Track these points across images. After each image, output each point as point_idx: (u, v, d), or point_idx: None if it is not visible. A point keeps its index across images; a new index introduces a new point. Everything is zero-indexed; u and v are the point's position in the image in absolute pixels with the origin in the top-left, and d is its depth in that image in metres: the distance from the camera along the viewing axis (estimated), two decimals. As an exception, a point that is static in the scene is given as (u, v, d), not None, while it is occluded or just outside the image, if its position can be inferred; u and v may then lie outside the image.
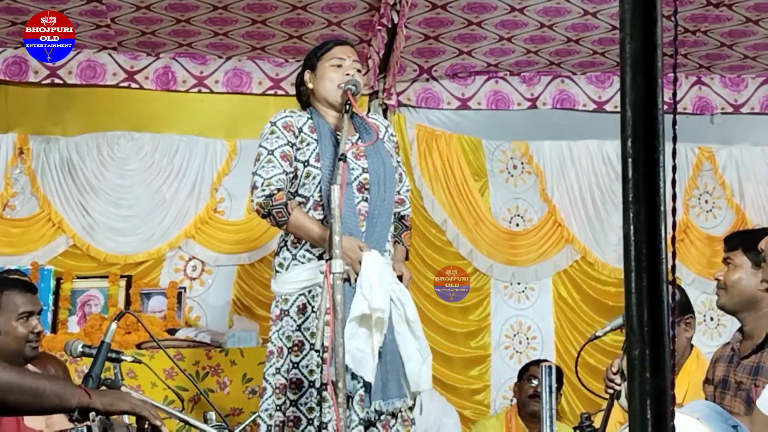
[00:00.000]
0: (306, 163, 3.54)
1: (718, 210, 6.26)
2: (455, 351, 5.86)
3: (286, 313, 3.50)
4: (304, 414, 3.37)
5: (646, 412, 1.03)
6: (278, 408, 3.43)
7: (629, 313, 1.04)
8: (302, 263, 3.51)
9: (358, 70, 3.65)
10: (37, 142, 5.67)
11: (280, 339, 3.49)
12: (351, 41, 3.81)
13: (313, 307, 3.44)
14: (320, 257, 3.46)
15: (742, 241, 3.18)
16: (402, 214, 3.76)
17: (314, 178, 3.52)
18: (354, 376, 3.34)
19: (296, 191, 3.56)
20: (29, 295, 3.40)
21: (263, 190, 3.50)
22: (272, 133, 3.59)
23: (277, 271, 3.58)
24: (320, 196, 3.49)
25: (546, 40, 5.58)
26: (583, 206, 6.08)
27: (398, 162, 3.77)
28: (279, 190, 3.49)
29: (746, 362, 3.03)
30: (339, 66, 3.63)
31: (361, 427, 3.35)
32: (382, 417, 3.41)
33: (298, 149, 3.57)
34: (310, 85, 3.68)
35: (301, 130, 3.60)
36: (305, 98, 3.73)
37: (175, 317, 5.37)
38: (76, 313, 5.42)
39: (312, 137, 3.57)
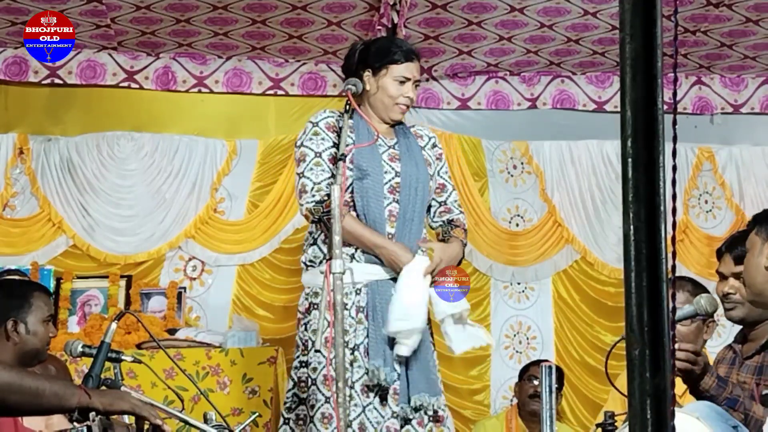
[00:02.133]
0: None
1: (718, 210, 6.25)
2: (455, 351, 5.85)
3: (315, 307, 3.47)
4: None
5: (646, 412, 1.03)
6: (302, 401, 3.45)
7: (629, 313, 1.04)
8: None
9: (416, 86, 3.65)
10: (37, 142, 5.67)
11: (307, 333, 3.50)
12: (418, 54, 3.73)
13: (345, 305, 3.40)
14: (352, 257, 3.46)
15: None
16: (450, 218, 3.70)
17: (346, 179, 3.47)
18: (393, 369, 3.38)
19: None
20: (50, 299, 3.49)
21: (313, 196, 3.44)
22: (316, 134, 3.54)
23: (308, 266, 3.56)
24: (351, 197, 3.49)
25: (546, 40, 5.58)
26: (583, 206, 6.08)
27: (440, 173, 3.73)
28: (329, 195, 3.36)
29: (750, 362, 3.03)
30: (402, 83, 3.60)
31: (395, 420, 3.38)
32: (417, 414, 3.43)
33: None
34: (368, 87, 3.60)
35: (341, 130, 3.56)
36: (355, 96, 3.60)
37: (175, 317, 5.37)
38: (76, 313, 5.42)
39: (351, 138, 3.52)
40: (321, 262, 3.50)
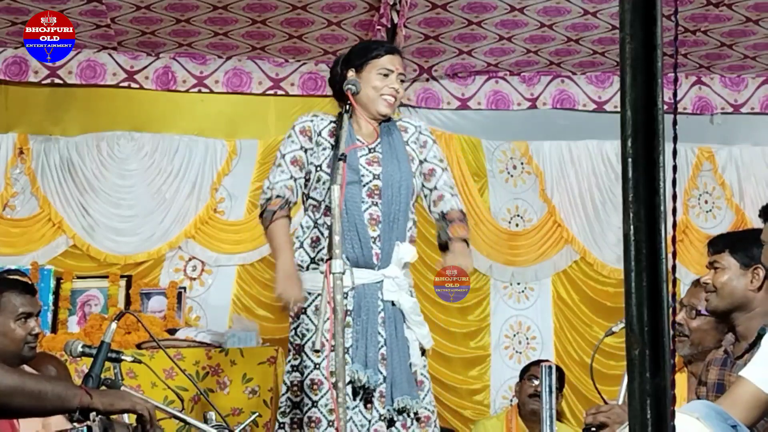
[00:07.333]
0: (318, 168, 3.57)
1: (718, 210, 6.25)
2: (455, 351, 5.86)
3: (304, 311, 3.51)
4: (324, 415, 3.37)
5: (646, 412, 1.03)
6: (296, 405, 3.46)
7: (629, 313, 1.04)
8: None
9: (402, 81, 3.69)
10: (37, 142, 5.67)
11: (297, 337, 3.52)
12: (400, 49, 3.79)
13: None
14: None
15: (727, 243, 3.19)
16: (444, 211, 3.66)
17: (324, 182, 3.53)
18: (377, 371, 3.38)
19: (309, 194, 3.60)
20: (28, 296, 3.40)
21: (265, 194, 3.58)
22: (289, 137, 3.67)
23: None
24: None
25: (546, 40, 5.58)
26: (582, 206, 6.08)
27: (427, 159, 3.72)
28: (278, 196, 3.54)
29: (740, 362, 3.05)
30: (385, 75, 3.63)
31: (382, 423, 3.39)
32: (401, 417, 3.44)
33: (313, 153, 3.60)
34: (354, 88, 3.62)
35: (319, 134, 3.62)
36: (345, 98, 3.61)
37: (175, 317, 5.37)
38: (76, 313, 5.42)
39: (329, 142, 3.59)
40: (308, 267, 3.53)
